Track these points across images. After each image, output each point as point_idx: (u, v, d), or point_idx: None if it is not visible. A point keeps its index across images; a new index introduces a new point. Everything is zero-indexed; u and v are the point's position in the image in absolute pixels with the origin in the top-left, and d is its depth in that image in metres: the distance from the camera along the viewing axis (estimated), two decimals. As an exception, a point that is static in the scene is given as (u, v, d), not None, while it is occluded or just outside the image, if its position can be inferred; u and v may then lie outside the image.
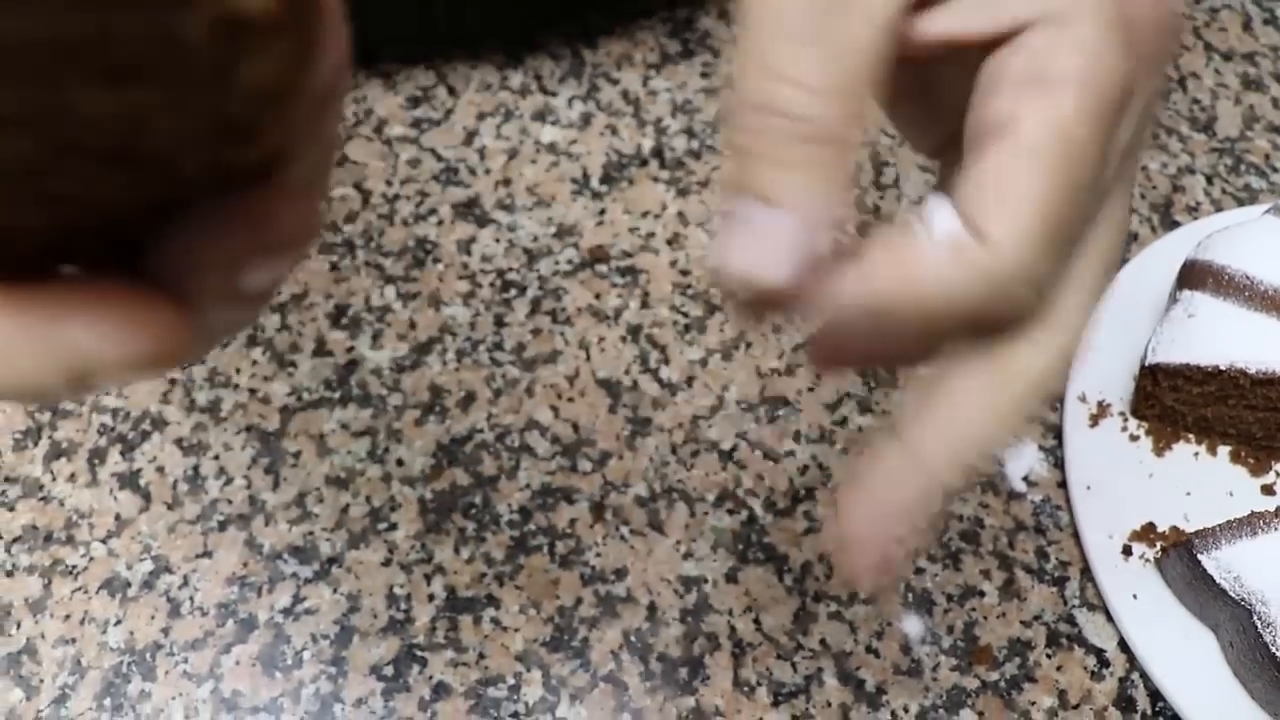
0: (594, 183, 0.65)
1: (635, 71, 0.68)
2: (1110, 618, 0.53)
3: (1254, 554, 0.50)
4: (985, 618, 0.53)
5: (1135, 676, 0.52)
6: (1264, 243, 0.57)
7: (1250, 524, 0.50)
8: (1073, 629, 0.53)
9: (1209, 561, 0.50)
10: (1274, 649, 0.49)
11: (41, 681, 0.51)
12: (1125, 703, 0.52)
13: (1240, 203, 0.65)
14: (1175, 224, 0.64)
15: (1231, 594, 0.50)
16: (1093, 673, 0.52)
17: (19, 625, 0.52)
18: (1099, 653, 0.53)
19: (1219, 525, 0.51)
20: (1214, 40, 0.73)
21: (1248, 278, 0.55)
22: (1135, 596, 0.53)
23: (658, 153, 0.66)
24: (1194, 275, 0.56)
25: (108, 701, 0.50)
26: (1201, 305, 0.55)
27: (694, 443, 0.56)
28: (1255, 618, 0.49)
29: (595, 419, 0.57)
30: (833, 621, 0.53)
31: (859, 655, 0.52)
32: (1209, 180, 0.66)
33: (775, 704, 0.51)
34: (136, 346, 0.19)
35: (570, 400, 0.57)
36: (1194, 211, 0.65)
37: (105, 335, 0.18)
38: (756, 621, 0.52)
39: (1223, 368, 0.53)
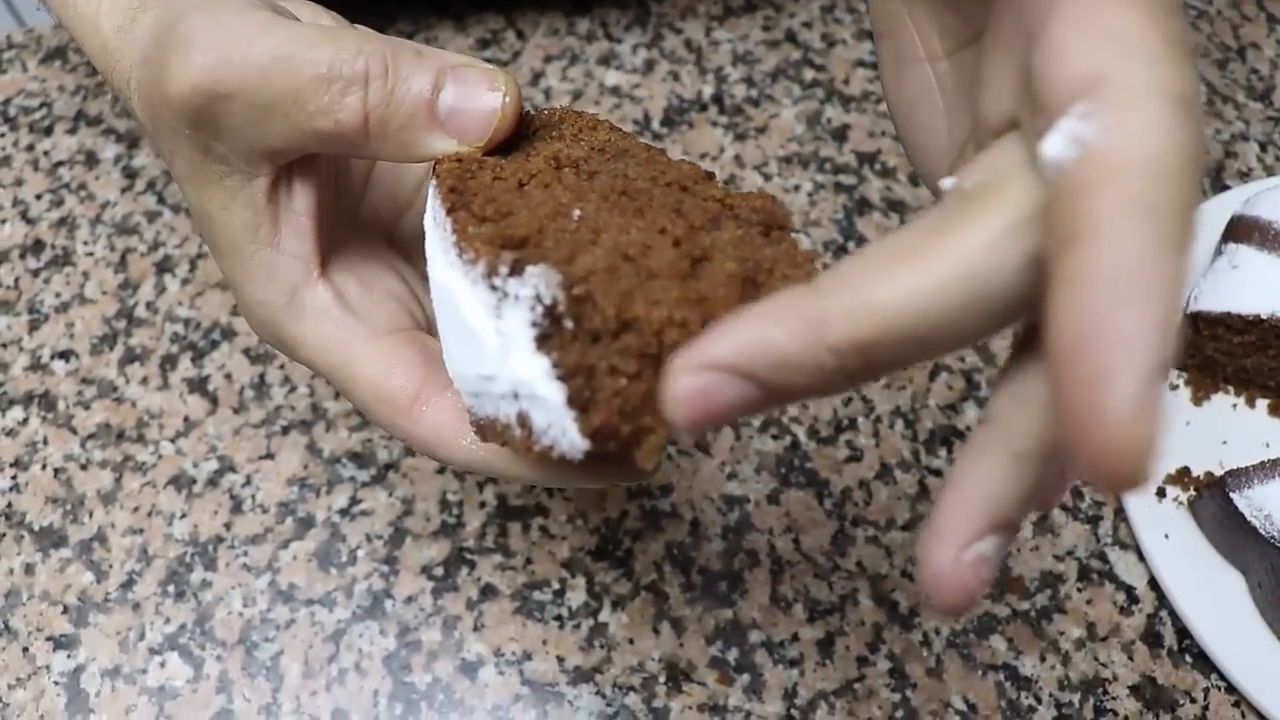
0: (655, 124, 0.67)
1: (699, 22, 0.70)
2: (1141, 557, 0.55)
3: (1284, 493, 0.51)
4: (1018, 550, 0.55)
5: (1164, 614, 0.54)
6: (1310, 201, 0.58)
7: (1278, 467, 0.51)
8: (1104, 565, 0.55)
9: (1240, 500, 0.51)
10: (1300, 585, 0.50)
11: (110, 567, 0.53)
12: (1152, 638, 0.53)
13: (1292, 170, 0.67)
14: (1226, 188, 0.65)
15: (1262, 531, 0.51)
16: (1122, 608, 0.54)
17: (91, 515, 0.54)
18: (1129, 589, 0.54)
19: (1252, 466, 0.52)
20: (1277, 11, 0.74)
21: (1293, 233, 0.56)
22: (1167, 536, 0.54)
23: (717, 99, 0.68)
24: (1240, 229, 0.58)
25: (171, 588, 0.53)
26: (1245, 257, 0.56)
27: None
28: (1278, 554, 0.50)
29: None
30: (869, 545, 0.54)
31: (894, 578, 0.54)
32: (1262, 147, 0.67)
33: (810, 620, 0.52)
34: None
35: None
36: (1246, 177, 0.66)
37: None
38: (795, 541, 0.54)
39: (1264, 317, 0.54)
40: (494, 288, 0.27)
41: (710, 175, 0.32)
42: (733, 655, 0.51)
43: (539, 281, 0.26)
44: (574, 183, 0.30)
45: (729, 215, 0.29)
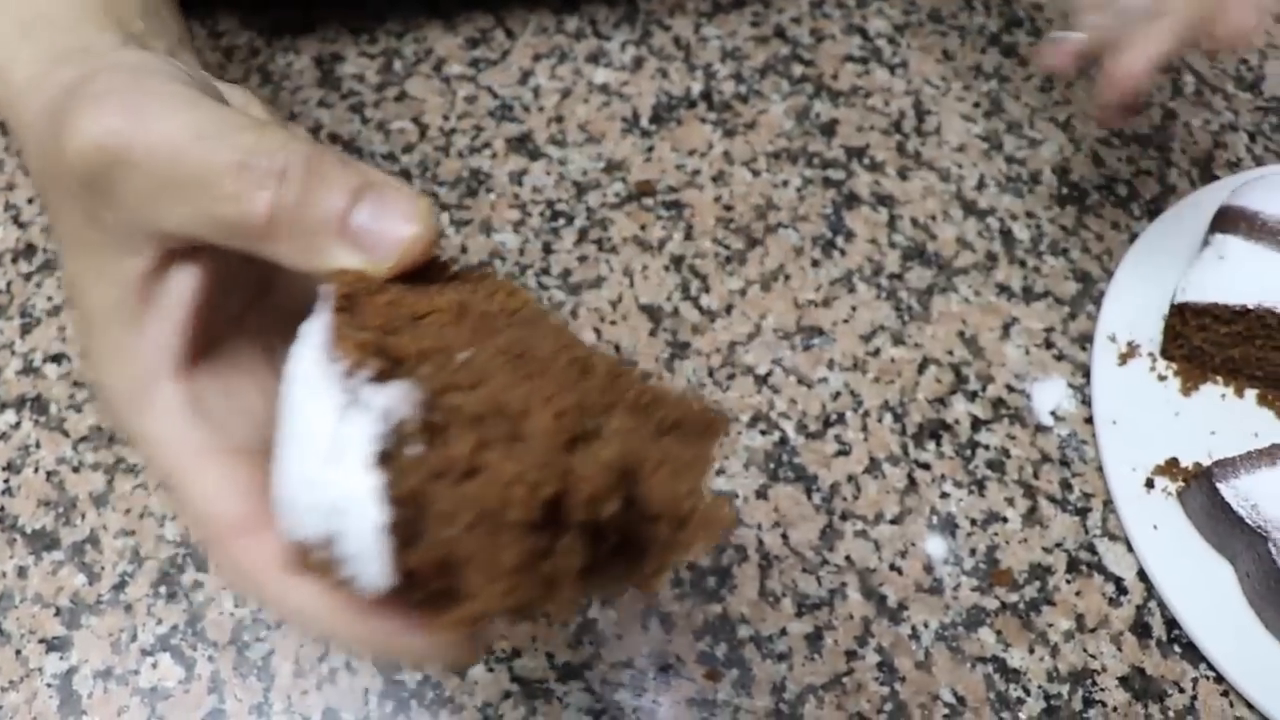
0: (643, 121, 0.67)
1: (687, 19, 0.70)
2: (1130, 548, 0.55)
3: (1272, 483, 0.51)
4: (1007, 542, 0.55)
5: (1152, 605, 0.54)
6: (1297, 191, 0.58)
7: (1270, 454, 0.51)
8: (1093, 557, 0.55)
9: (1227, 490, 0.51)
10: (1288, 576, 0.50)
11: (103, 569, 0.53)
12: (1141, 629, 0.53)
13: (1281, 160, 0.67)
14: (1215, 178, 0.65)
15: (1248, 521, 0.51)
16: (1110, 599, 0.54)
17: (83, 517, 0.55)
18: (1118, 581, 0.54)
19: (1239, 455, 0.52)
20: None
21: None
22: (1155, 528, 0.54)
23: (706, 95, 0.68)
24: (1227, 219, 0.58)
25: (163, 589, 0.53)
26: (1232, 247, 0.56)
27: (730, 366, 0.58)
28: (1270, 545, 0.50)
29: (636, 341, 0.59)
30: (858, 540, 0.54)
31: (882, 572, 0.54)
32: (1252, 137, 0.67)
33: (799, 614, 0.53)
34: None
35: (613, 323, 0.59)
36: (1235, 167, 0.66)
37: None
38: (784, 536, 0.54)
39: (1250, 307, 0.54)
40: (347, 390, 0.25)
41: (632, 367, 0.30)
42: (721, 650, 0.51)
43: (399, 396, 0.25)
44: (471, 333, 0.29)
45: (631, 408, 0.28)
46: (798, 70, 0.69)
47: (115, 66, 0.31)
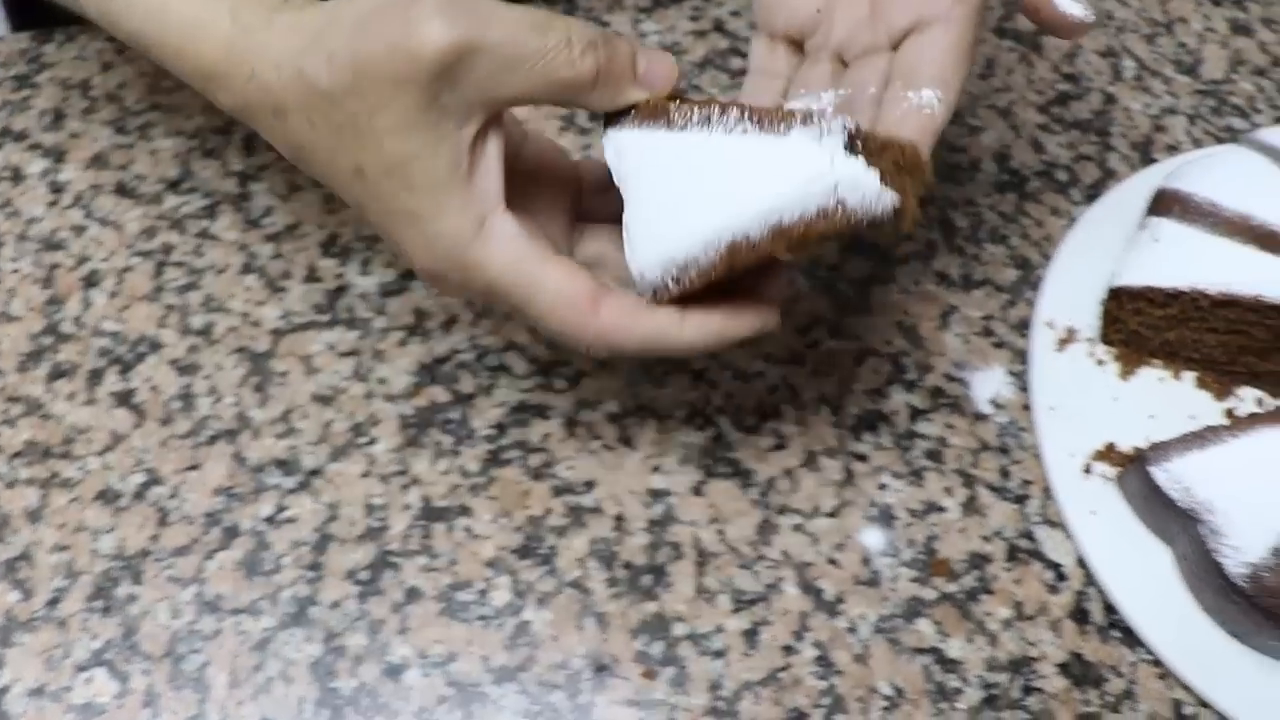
0: (581, 119, 0.66)
1: (626, 15, 0.70)
2: (1069, 535, 0.54)
3: (1203, 465, 0.50)
4: (946, 532, 0.54)
5: (1091, 591, 0.53)
6: (1232, 171, 0.58)
7: (1201, 437, 0.51)
8: (1032, 544, 0.54)
9: (1159, 473, 0.51)
10: (1219, 558, 0.49)
11: (37, 585, 0.53)
12: (1080, 615, 0.53)
13: (1220, 142, 0.66)
14: (1154, 162, 0.65)
15: (1180, 504, 0.50)
16: (1050, 586, 0.53)
17: (17, 533, 0.54)
18: (1056, 567, 0.54)
19: (1173, 439, 0.52)
20: (1204, -15, 0.74)
21: (1213, 204, 0.56)
22: (1093, 513, 0.54)
23: (643, 92, 0.67)
24: (1162, 202, 0.57)
25: (98, 603, 0.52)
26: (1167, 230, 0.56)
27: (666, 363, 0.58)
28: (1203, 528, 0.50)
29: (571, 341, 0.58)
30: (795, 534, 0.54)
31: (819, 566, 0.53)
32: (1191, 120, 0.67)
33: (735, 610, 0.52)
34: None
35: (547, 324, 0.59)
36: (1174, 150, 0.66)
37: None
38: (720, 532, 0.54)
39: (1183, 289, 0.54)
40: (813, 129, 0.40)
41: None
42: (657, 649, 0.51)
43: (843, 121, 0.40)
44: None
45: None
46: (736, 64, 0.68)
47: None
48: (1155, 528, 0.53)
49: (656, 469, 0.55)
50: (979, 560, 0.54)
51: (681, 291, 0.43)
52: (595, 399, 0.57)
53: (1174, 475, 0.51)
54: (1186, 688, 0.51)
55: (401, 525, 0.54)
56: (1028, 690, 0.51)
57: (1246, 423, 0.51)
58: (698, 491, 0.55)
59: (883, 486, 0.55)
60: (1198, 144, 0.66)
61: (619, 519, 0.54)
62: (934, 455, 0.56)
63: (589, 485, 0.55)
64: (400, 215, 0.43)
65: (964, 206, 0.63)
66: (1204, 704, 0.51)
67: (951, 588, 0.53)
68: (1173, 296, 0.54)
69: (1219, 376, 0.57)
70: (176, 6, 0.46)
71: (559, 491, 0.55)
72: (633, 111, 0.44)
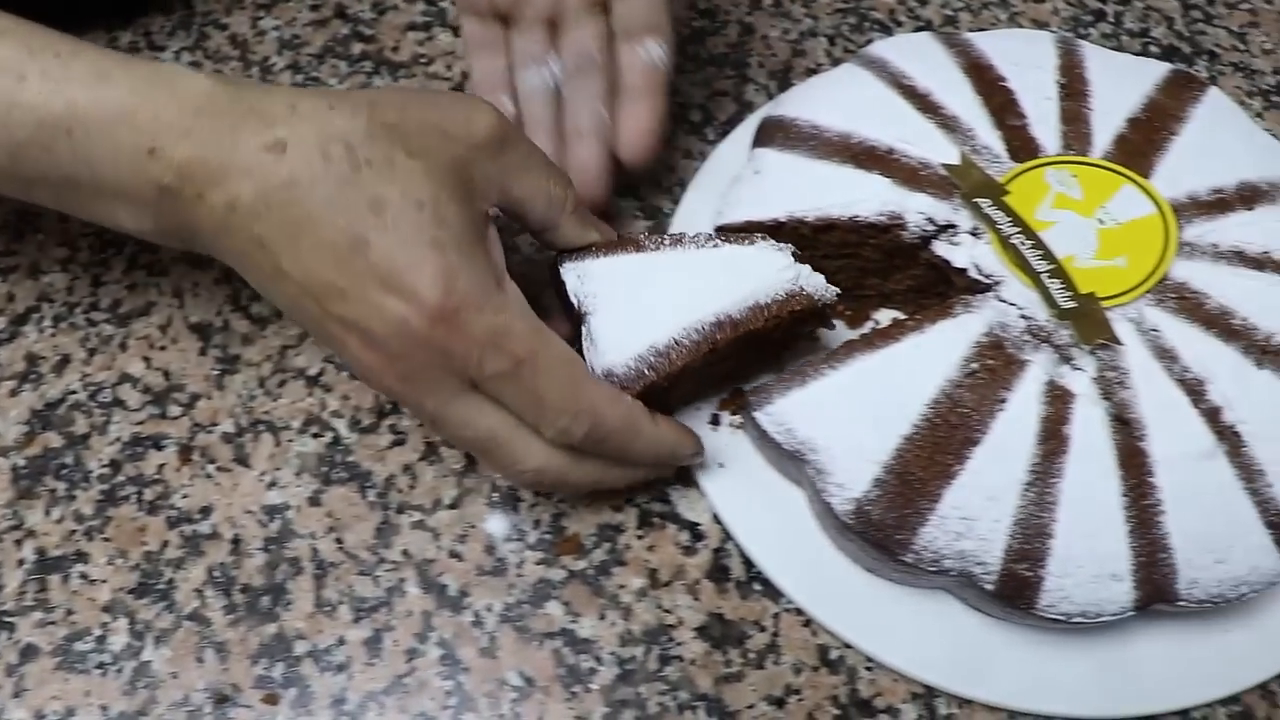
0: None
1: (245, 14, 0.67)
2: (702, 492, 0.52)
3: (803, 403, 0.48)
4: (574, 508, 0.52)
5: (730, 546, 0.51)
6: (838, 93, 0.55)
7: (802, 374, 0.49)
8: (666, 507, 0.52)
9: (763, 416, 0.49)
10: (827, 497, 0.47)
11: None
12: (719, 573, 0.51)
13: (866, 59, 0.64)
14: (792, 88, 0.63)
15: (786, 447, 0.48)
16: (685, 548, 0.51)
17: None
18: (693, 527, 0.52)
19: (773, 379, 0.49)
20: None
21: (815, 127, 0.54)
22: (722, 465, 0.52)
23: (266, 91, 0.65)
24: (765, 132, 0.55)
25: None
26: (768, 161, 0.54)
27: (282, 373, 0.56)
28: (809, 467, 0.48)
29: (186, 364, 0.56)
30: (415, 531, 0.52)
31: (442, 561, 0.51)
32: (831, 41, 0.65)
33: (356, 620, 0.50)
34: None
35: (162, 349, 0.56)
36: (814, 74, 0.63)
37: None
38: (339, 541, 0.52)
39: (782, 220, 0.52)
40: (770, 241, 0.50)
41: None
42: (278, 671, 0.49)
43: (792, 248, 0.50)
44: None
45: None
46: (357, 48, 0.66)
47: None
48: (784, 472, 0.51)
49: (273, 484, 0.53)
50: (610, 532, 0.52)
51: (654, 380, 0.46)
52: (210, 421, 0.54)
53: (775, 417, 0.48)
54: (830, 632, 0.49)
55: (15, 582, 0.52)
56: (664, 660, 0.49)
57: (843, 353, 0.49)
58: (315, 501, 0.52)
59: (469, 473, 0.53)
60: (837, 64, 0.63)
61: (236, 541, 0.52)
62: (560, 429, 0.53)
63: (205, 511, 0.52)
64: (427, 246, 0.41)
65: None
66: (849, 645, 0.49)
67: (581, 565, 0.51)
68: (773, 229, 0.52)
69: (850, 303, 0.55)
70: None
71: (175, 522, 0.52)
72: (595, 246, 0.49)
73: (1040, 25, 0.67)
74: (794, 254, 0.49)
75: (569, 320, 0.49)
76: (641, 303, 0.48)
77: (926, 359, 0.48)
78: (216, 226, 0.42)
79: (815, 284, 0.49)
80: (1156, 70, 0.57)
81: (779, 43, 0.65)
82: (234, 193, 0.41)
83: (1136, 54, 0.65)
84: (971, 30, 0.63)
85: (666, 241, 0.49)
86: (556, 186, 0.48)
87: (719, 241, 0.49)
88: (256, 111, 0.42)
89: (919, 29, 0.65)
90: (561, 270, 0.49)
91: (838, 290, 0.49)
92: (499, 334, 0.42)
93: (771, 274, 0.48)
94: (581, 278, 0.49)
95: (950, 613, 0.50)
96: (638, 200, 0.60)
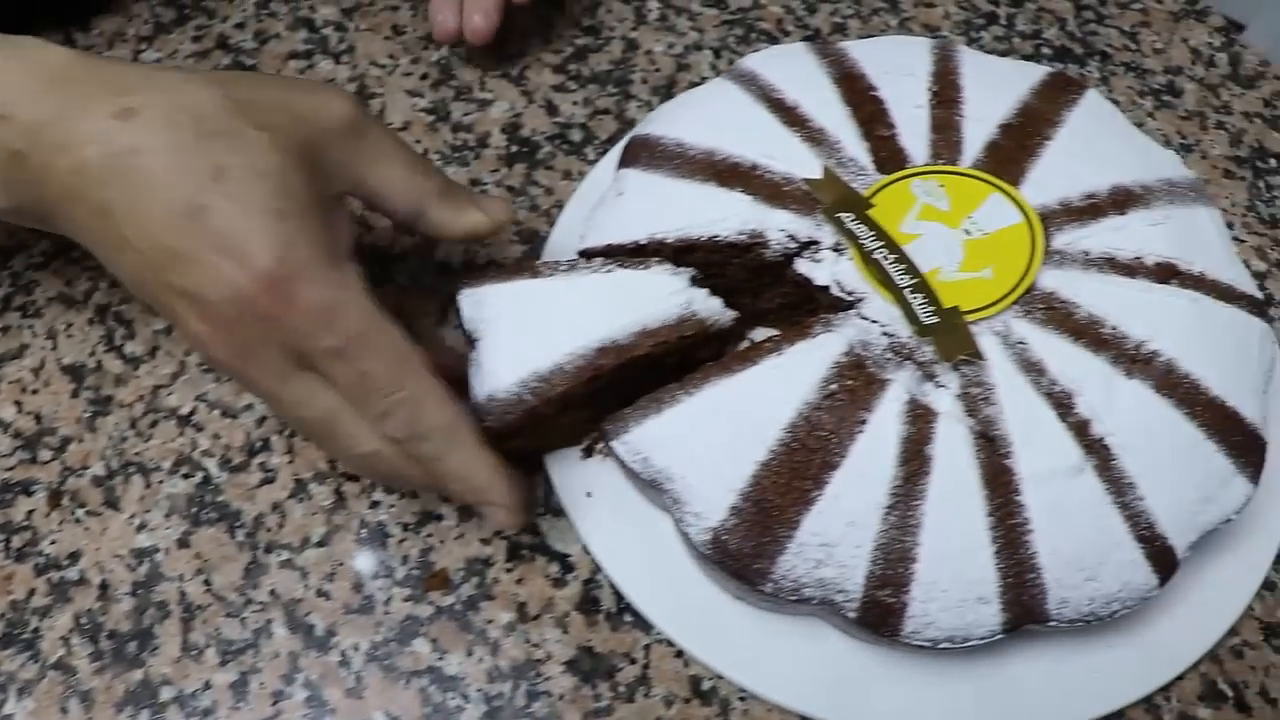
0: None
1: (127, 46, 0.67)
2: (571, 522, 0.51)
3: (659, 431, 0.47)
4: (443, 542, 0.51)
5: (601, 577, 0.51)
6: (705, 109, 0.54)
7: (658, 400, 0.48)
8: (535, 539, 0.51)
9: (619, 445, 0.48)
10: (684, 527, 0.46)
11: None
12: (589, 605, 0.50)
13: (754, 70, 0.63)
14: (680, 104, 0.62)
15: (644, 476, 0.47)
16: (555, 580, 0.51)
17: None
18: (563, 558, 0.51)
19: (631, 407, 0.48)
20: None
21: (680, 145, 0.53)
22: (589, 495, 0.51)
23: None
24: (630, 151, 0.54)
25: None
26: (631, 181, 0.53)
27: (154, 413, 0.55)
28: (666, 497, 0.47)
29: (58, 407, 0.55)
30: (284, 570, 0.51)
31: (309, 600, 0.50)
32: (716, 54, 0.64)
33: (223, 663, 0.49)
34: None
35: (34, 392, 0.56)
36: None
37: None
38: (207, 583, 0.51)
39: (643, 242, 0.51)
40: (668, 265, 0.49)
41: None
42: (144, 718, 0.48)
43: (691, 271, 0.50)
44: None
45: None
46: (239, 79, 0.65)
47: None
48: (652, 500, 0.50)
49: (142, 527, 0.52)
50: (478, 566, 0.51)
51: (534, 405, 0.45)
52: (80, 464, 0.54)
53: (632, 446, 0.47)
54: (702, 663, 0.48)
55: (-121, 636, 0.51)
56: (533, 695, 0.48)
57: (699, 378, 0.48)
58: (184, 543, 0.52)
59: (375, 504, 0.52)
60: (722, 77, 0.62)
61: (104, 587, 0.51)
62: (430, 461, 0.53)
63: (73, 557, 0.52)
64: (267, 214, 0.40)
65: (471, 188, 0.60)
66: (721, 676, 0.48)
67: (449, 600, 0.50)
68: (633, 251, 0.51)
69: (724, 323, 0.54)
70: None
71: (42, 570, 0.52)
72: (493, 271, 0.49)
73: (932, 30, 0.66)
74: (693, 278, 0.48)
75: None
76: (529, 328, 0.47)
77: (783, 382, 0.47)
78: (62, 193, 0.41)
79: (710, 308, 0.48)
80: (1034, 74, 0.56)
81: (663, 57, 0.64)
82: (80, 158, 0.40)
83: (1028, 56, 0.64)
84: (862, 37, 0.62)
85: (563, 267, 0.49)
86: (419, 175, 0.47)
87: (614, 266, 0.48)
88: (110, 82, 0.41)
89: (807, 38, 0.64)
90: (459, 298, 0.48)
91: (735, 314, 0.49)
92: (332, 308, 0.41)
93: (662, 298, 0.47)
94: (476, 305, 0.48)
95: (824, 639, 0.49)
96: (514, 224, 0.59)
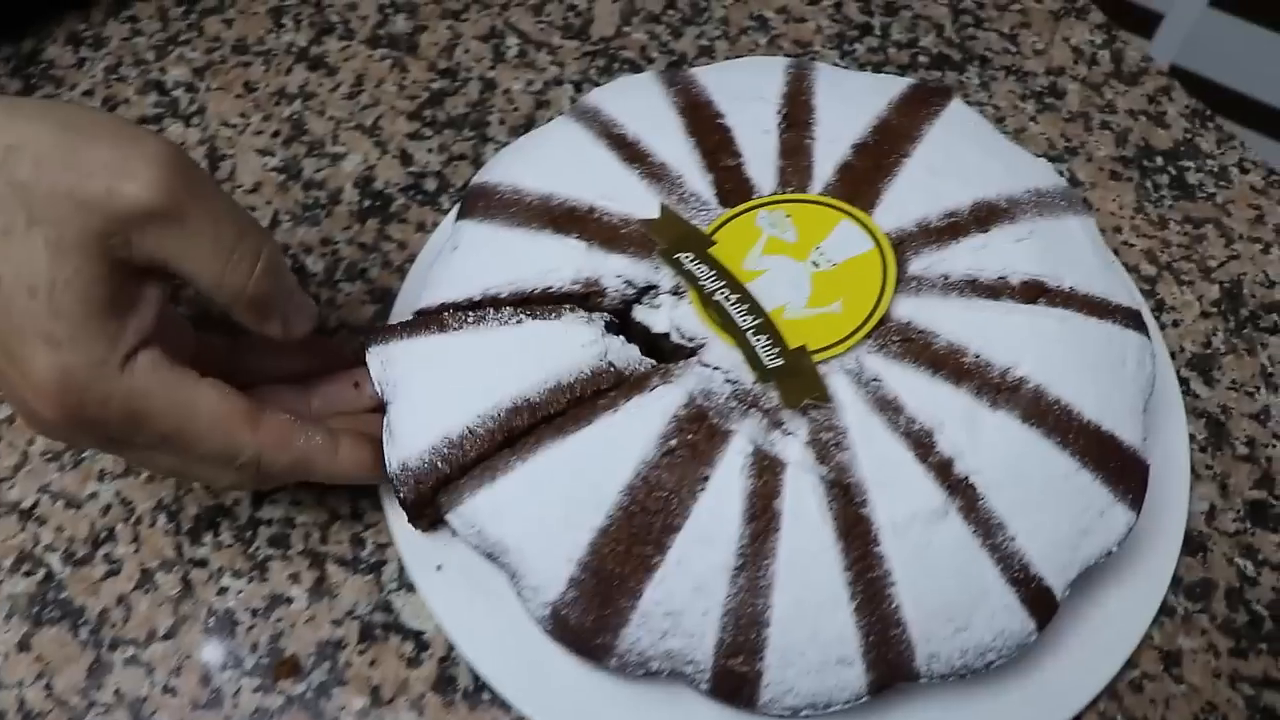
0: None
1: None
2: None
3: (492, 501, 0.45)
4: (293, 626, 0.49)
5: (456, 654, 0.48)
6: (543, 151, 0.52)
7: (493, 468, 0.45)
8: (389, 617, 0.49)
9: (454, 518, 0.45)
10: (523, 602, 0.44)
11: None
12: (446, 683, 0.48)
13: (616, 100, 0.60)
14: (537, 142, 0.59)
15: (480, 549, 0.45)
16: (410, 659, 0.48)
17: None
18: (417, 636, 0.49)
19: (467, 476, 0.46)
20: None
21: (517, 192, 0.50)
22: (439, 568, 0.48)
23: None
24: (468, 202, 0.52)
25: None
26: (468, 235, 0.50)
27: (-3, 506, 0.53)
28: (505, 570, 0.44)
29: (-100, 506, 0.53)
30: (129, 668, 0.49)
31: (155, 699, 0.48)
32: (577, 88, 0.61)
33: (65, 772, 0.47)
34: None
35: (-122, 492, 0.54)
36: (559, 124, 0.60)
37: None
38: (48, 687, 0.49)
39: (477, 298, 0.48)
40: (581, 314, 0.47)
41: None
42: (-16, 837, 0.46)
43: (605, 316, 0.48)
44: None
45: None
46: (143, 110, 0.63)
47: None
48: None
49: (-17, 633, 0.50)
50: (330, 649, 0.48)
51: (447, 473, 0.44)
52: (-79, 567, 0.52)
53: (466, 518, 0.45)
54: (561, 740, 0.45)
55: None
56: (386, 785, 0.45)
57: (531, 442, 0.45)
58: (24, 646, 0.49)
59: (223, 590, 0.50)
60: (582, 112, 0.59)
61: (-57, 698, 0.49)
62: (278, 540, 0.50)
63: (-88, 669, 0.50)
64: (39, 340, 0.38)
65: (320, 248, 0.57)
66: (583, 751, 0.45)
67: (300, 688, 0.48)
68: (468, 307, 0.48)
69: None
70: None
71: (-119, 683, 0.49)
72: (400, 326, 0.47)
73: (803, 46, 0.63)
74: (607, 324, 0.46)
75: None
76: (438, 389, 0.45)
77: (620, 441, 0.44)
78: None
79: (627, 357, 0.46)
80: (894, 87, 0.53)
81: (522, 95, 0.61)
82: None
83: (904, 66, 0.61)
84: (731, 58, 0.59)
85: (470, 319, 0.47)
86: (231, 273, 0.41)
87: (524, 317, 0.46)
88: None
89: (672, 64, 0.61)
90: (367, 356, 0.47)
91: (653, 362, 0.46)
92: (134, 417, 0.40)
93: (575, 350, 0.45)
94: (384, 364, 0.46)
95: (690, 707, 0.46)
96: (367, 283, 0.56)
